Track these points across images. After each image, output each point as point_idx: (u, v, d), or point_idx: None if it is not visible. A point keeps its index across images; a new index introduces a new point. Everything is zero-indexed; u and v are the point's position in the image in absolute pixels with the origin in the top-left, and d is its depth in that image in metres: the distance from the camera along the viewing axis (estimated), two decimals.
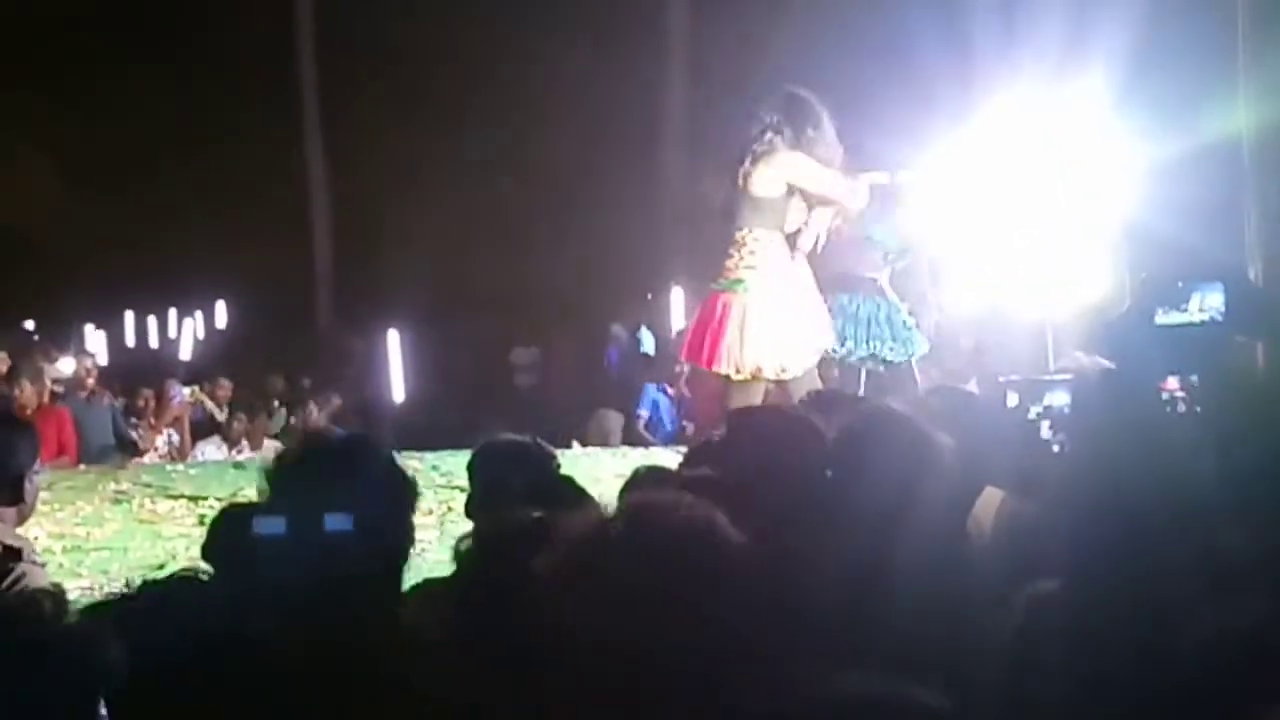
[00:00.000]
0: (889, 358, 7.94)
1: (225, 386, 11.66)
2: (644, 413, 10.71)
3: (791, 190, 7.16)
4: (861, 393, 7.76)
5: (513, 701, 2.63)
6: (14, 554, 3.75)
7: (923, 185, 8.13)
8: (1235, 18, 6.66)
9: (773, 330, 7.05)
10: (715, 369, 7.17)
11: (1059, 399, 4.28)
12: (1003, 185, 8.11)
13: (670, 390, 10.70)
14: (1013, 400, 4.30)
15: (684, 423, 10.58)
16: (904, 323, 8.04)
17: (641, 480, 3.94)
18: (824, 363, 7.77)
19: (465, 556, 3.15)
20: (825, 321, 7.42)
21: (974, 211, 8.20)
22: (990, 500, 4.00)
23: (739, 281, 7.07)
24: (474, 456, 4.21)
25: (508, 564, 2.93)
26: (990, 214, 8.18)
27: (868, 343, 7.93)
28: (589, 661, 2.43)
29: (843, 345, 7.93)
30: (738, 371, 7.03)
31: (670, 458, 8.64)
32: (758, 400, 6.90)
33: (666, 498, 2.63)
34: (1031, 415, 4.25)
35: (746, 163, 7.08)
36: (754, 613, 2.53)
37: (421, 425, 11.35)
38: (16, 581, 3.69)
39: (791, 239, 7.35)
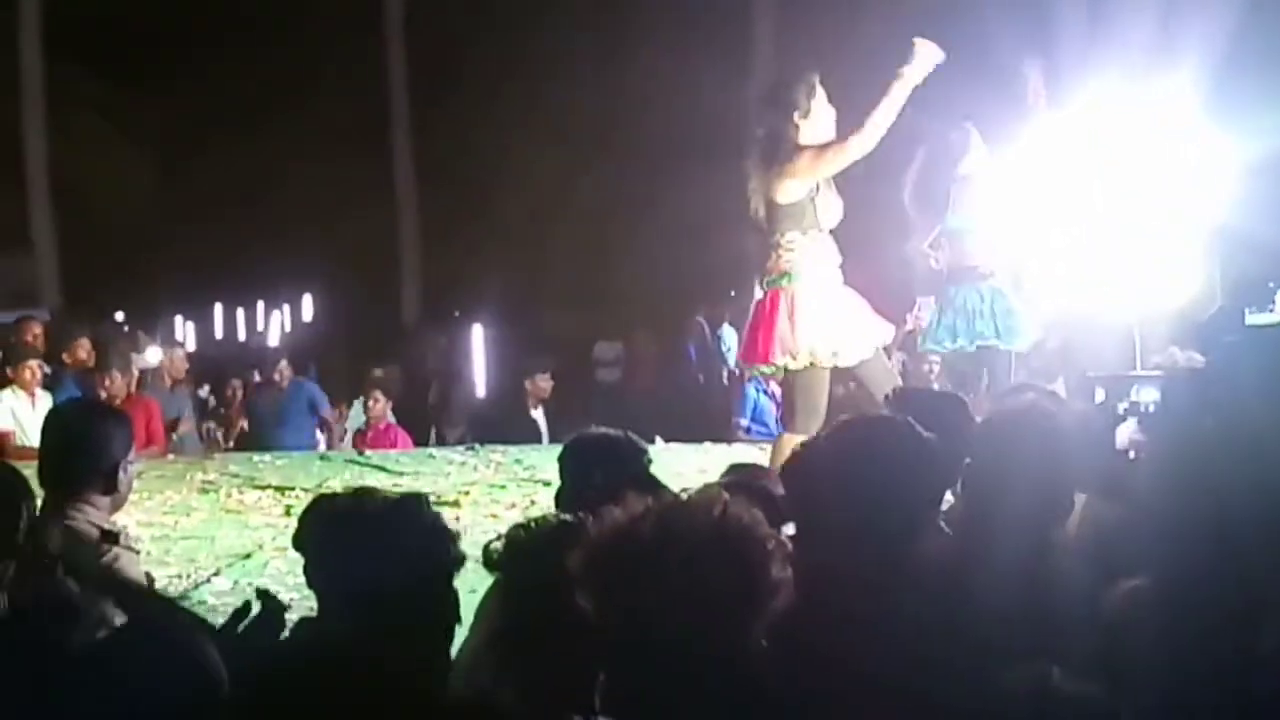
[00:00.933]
0: (988, 344, 7.96)
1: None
2: (744, 420, 10.58)
3: (816, 189, 7.21)
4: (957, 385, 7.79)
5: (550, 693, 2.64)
6: (111, 538, 3.85)
7: (982, 163, 8.13)
8: None
9: (823, 317, 7.09)
10: (772, 362, 7.22)
11: (1147, 395, 4.24)
12: (1090, 183, 8.05)
13: (771, 389, 10.64)
14: (1100, 396, 4.27)
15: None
16: (1008, 310, 8.03)
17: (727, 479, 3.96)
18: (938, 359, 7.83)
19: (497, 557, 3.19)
20: (876, 318, 7.44)
21: (1059, 210, 8.15)
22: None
23: (784, 275, 7.14)
24: (565, 449, 4.24)
25: (538, 565, 2.96)
26: (1076, 212, 8.12)
27: (969, 333, 7.95)
28: (616, 653, 2.43)
29: (954, 340, 7.99)
30: (794, 359, 7.07)
31: (754, 453, 8.68)
32: (822, 390, 6.91)
33: (704, 495, 2.63)
34: (1119, 411, 4.22)
35: (767, 174, 7.15)
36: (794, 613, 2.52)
37: (505, 419, 11.42)
38: (113, 563, 3.78)
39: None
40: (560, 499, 4.12)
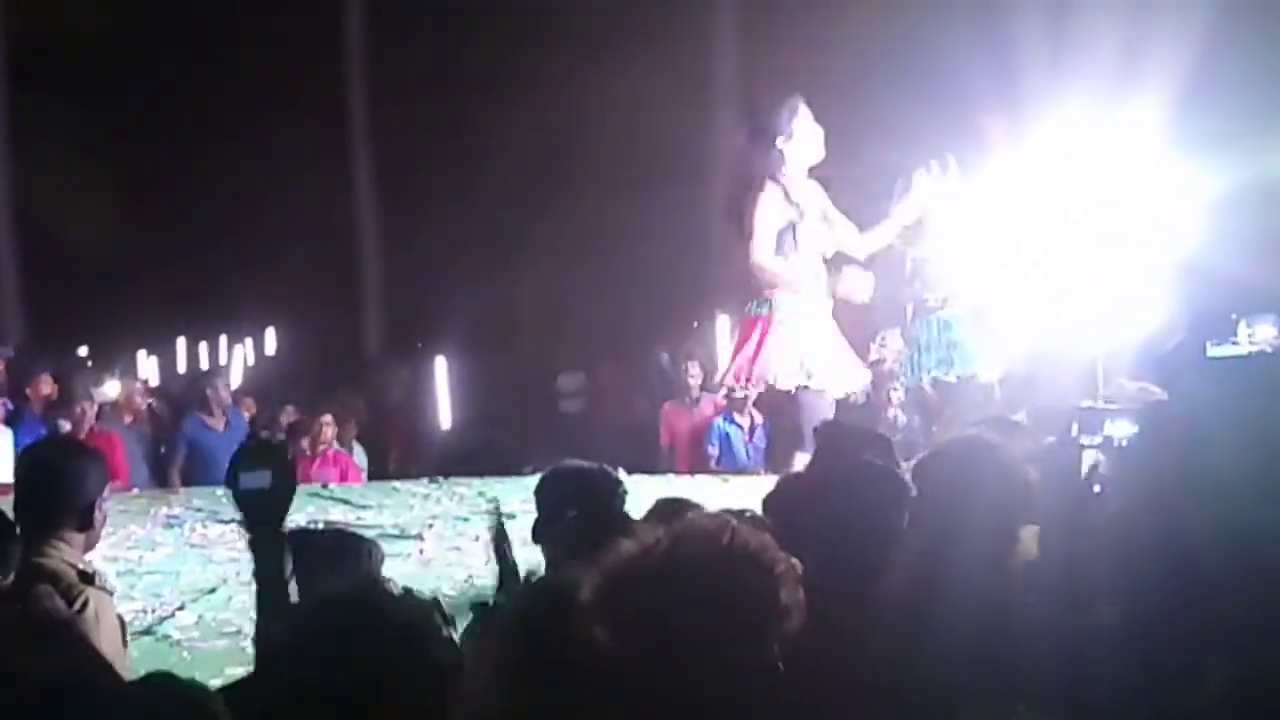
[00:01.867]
0: (943, 377, 8.01)
1: (289, 413, 11.69)
2: (713, 450, 10.62)
3: (801, 215, 7.31)
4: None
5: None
6: (87, 579, 3.83)
7: (941, 198, 8.20)
8: None
9: (803, 342, 7.19)
10: (754, 386, 7.31)
11: (1120, 429, 4.26)
12: (1054, 214, 8.12)
13: (739, 420, 10.67)
14: (1074, 430, 4.29)
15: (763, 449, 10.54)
16: (958, 341, 8.08)
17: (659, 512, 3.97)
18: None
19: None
20: (852, 359, 7.53)
21: (1023, 241, 8.22)
22: (1033, 537, 3.99)
23: (765, 302, 7.26)
24: (541, 481, 4.23)
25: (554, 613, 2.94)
26: (1043, 242, 8.19)
27: (926, 364, 8.01)
28: (631, 687, 2.43)
29: (913, 374, 8.06)
30: (756, 385, 7.19)
31: (714, 485, 8.67)
32: (817, 411, 6.99)
33: (713, 522, 2.64)
34: (1091, 444, 4.24)
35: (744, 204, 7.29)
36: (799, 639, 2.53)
37: (469, 451, 11.38)
38: (85, 605, 3.75)
39: (835, 261, 7.51)
40: (535, 532, 4.12)
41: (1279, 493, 3.32)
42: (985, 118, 8.19)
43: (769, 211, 7.38)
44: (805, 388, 7.35)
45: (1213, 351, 4.22)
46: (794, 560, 2.59)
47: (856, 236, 7.64)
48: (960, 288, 8.28)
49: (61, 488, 3.91)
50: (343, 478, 10.25)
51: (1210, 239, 7.01)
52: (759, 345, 7.40)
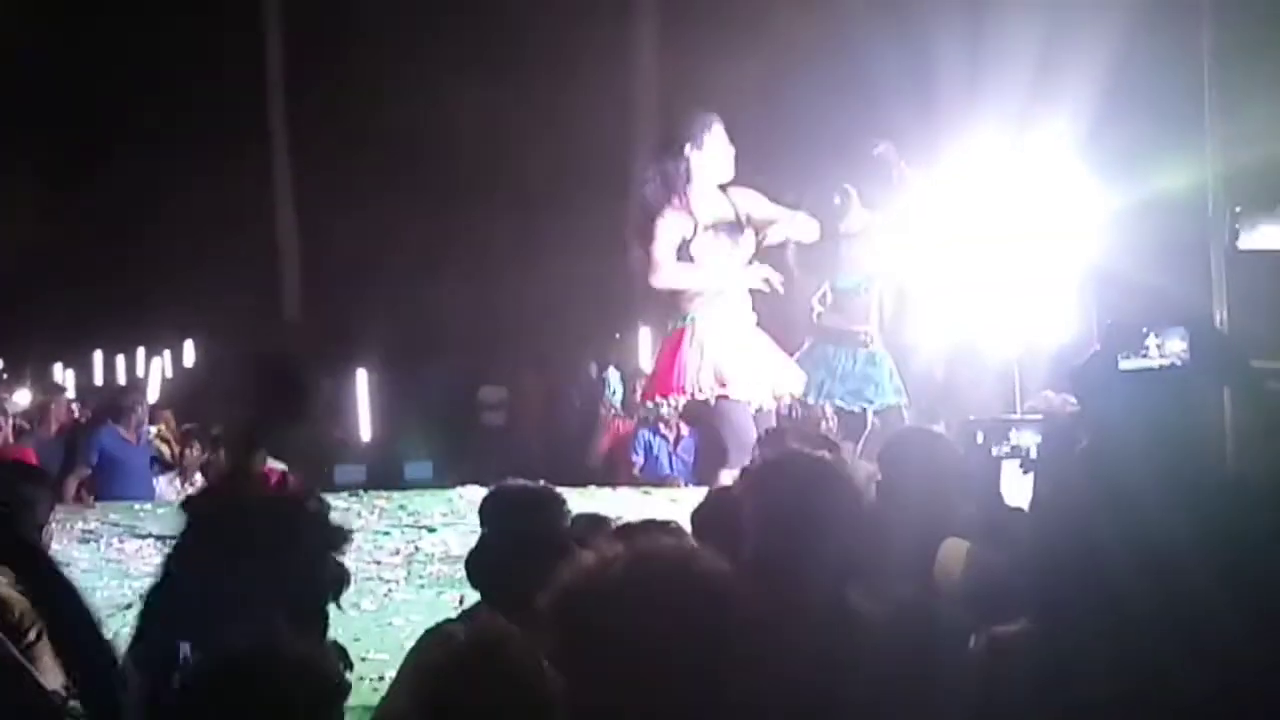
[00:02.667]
0: (851, 406, 8.13)
1: (168, 418, 11.61)
2: (638, 459, 10.65)
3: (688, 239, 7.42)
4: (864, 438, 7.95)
5: None
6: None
7: (866, 220, 8.29)
8: (1201, 65, 6.76)
9: (720, 351, 7.26)
10: (665, 397, 7.37)
11: (1025, 439, 4.32)
12: (971, 228, 8.24)
13: (665, 431, 10.69)
14: (979, 439, 4.35)
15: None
16: (870, 374, 8.19)
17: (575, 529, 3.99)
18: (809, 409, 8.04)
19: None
20: (779, 366, 7.59)
21: (943, 252, 8.32)
22: (957, 550, 4.03)
23: (681, 316, 7.34)
24: (487, 499, 4.21)
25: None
26: (959, 255, 8.31)
27: (836, 392, 8.10)
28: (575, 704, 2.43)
29: (819, 398, 8.14)
30: (699, 392, 7.24)
31: (636, 497, 8.69)
32: (737, 420, 7.04)
33: (674, 544, 2.65)
34: (996, 454, 4.30)
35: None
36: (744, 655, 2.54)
37: (390, 464, 11.33)
38: (39, 636, 3.68)
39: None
40: (479, 551, 4.09)
41: (1188, 506, 3.37)
42: (880, 146, 8.28)
43: (667, 235, 7.47)
44: (724, 397, 7.39)
45: (1124, 365, 4.29)
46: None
47: (798, 223, 7.69)
48: (886, 317, 8.37)
49: (12, 515, 3.83)
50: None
51: (1124, 252, 7.11)
52: (673, 357, 7.46)
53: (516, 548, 3.84)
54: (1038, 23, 7.88)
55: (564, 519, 4.08)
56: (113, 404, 11.08)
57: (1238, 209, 6.77)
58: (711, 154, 7.50)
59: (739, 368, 7.40)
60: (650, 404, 8.13)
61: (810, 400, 8.30)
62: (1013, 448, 4.30)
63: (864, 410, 8.16)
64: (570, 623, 2.43)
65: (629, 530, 3.95)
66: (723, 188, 7.67)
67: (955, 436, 4.71)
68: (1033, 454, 4.26)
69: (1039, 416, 4.86)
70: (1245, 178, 6.56)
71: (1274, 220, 6.68)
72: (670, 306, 7.53)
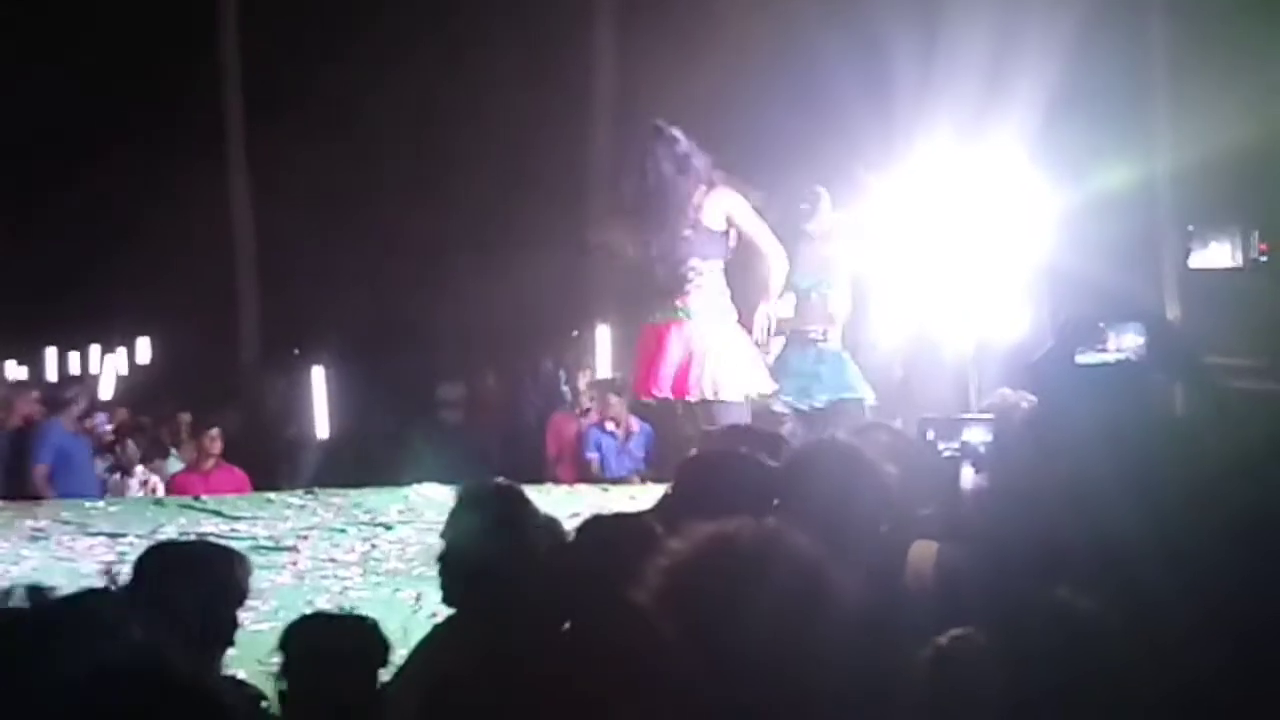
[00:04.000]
0: (798, 404, 8.09)
1: (123, 415, 11.55)
2: (594, 455, 10.64)
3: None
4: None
5: None
6: None
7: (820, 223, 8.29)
8: (1152, 66, 6.82)
9: (718, 351, 7.22)
10: (655, 395, 7.33)
11: (976, 435, 4.33)
12: (926, 229, 8.27)
13: (613, 429, 10.68)
14: (930, 436, 4.36)
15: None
16: (818, 371, 8.15)
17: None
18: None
19: None
20: (757, 362, 7.55)
21: (899, 252, 8.35)
22: (927, 552, 4.02)
23: (674, 310, 7.27)
24: (458, 499, 4.16)
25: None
26: (915, 255, 8.33)
27: (786, 389, 8.06)
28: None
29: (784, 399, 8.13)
30: (702, 394, 7.20)
31: (595, 494, 8.68)
32: (729, 420, 7.00)
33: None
34: (947, 452, 4.31)
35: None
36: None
37: (347, 462, 11.28)
38: None
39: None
40: (448, 552, 4.04)
41: (1145, 500, 3.39)
42: (862, 171, 8.30)
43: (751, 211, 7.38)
44: (716, 397, 7.32)
45: (1081, 359, 4.31)
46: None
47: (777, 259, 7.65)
48: (842, 318, 8.34)
49: None
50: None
51: (1079, 250, 7.15)
52: (664, 355, 7.34)
53: (474, 546, 3.83)
54: (990, 25, 7.92)
55: (528, 517, 4.05)
56: (53, 399, 10.99)
57: (1190, 228, 6.84)
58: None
59: (731, 368, 7.35)
60: (641, 399, 8.05)
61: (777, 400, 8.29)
62: (963, 444, 4.31)
63: (810, 408, 8.11)
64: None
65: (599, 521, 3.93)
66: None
67: (914, 437, 4.72)
68: (983, 450, 4.27)
69: (990, 415, 4.87)
70: (1194, 176, 6.62)
71: (1223, 238, 6.74)
72: (662, 296, 7.40)
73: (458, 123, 17.24)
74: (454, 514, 4.06)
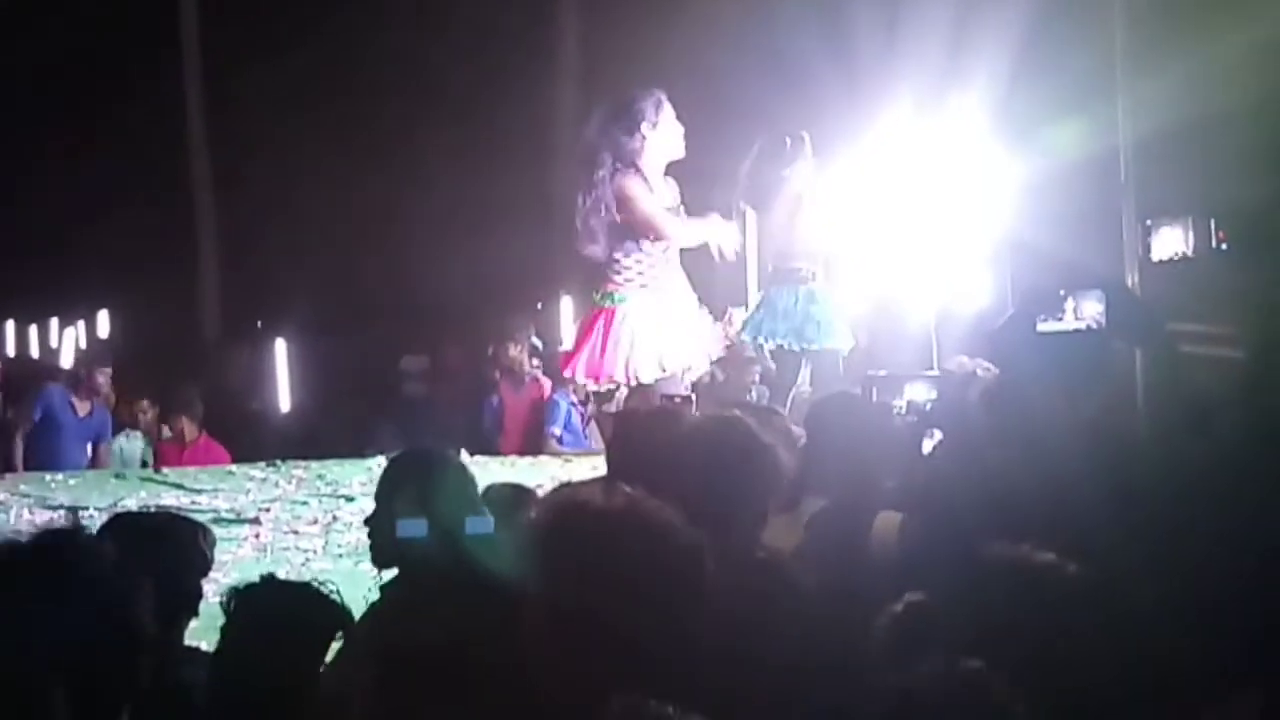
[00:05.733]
0: (794, 346, 8.02)
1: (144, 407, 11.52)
2: (557, 430, 10.58)
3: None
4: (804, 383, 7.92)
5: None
6: None
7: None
8: (1113, 34, 6.83)
9: (652, 339, 7.20)
10: (605, 382, 7.32)
11: (919, 393, 4.35)
12: (889, 196, 8.28)
13: (575, 398, 10.66)
14: (874, 396, 4.39)
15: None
16: (822, 312, 8.09)
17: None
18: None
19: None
20: (708, 333, 7.55)
21: (863, 219, 8.36)
22: (890, 523, 4.04)
23: (609, 295, 7.28)
24: (384, 471, 4.14)
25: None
26: (878, 222, 8.34)
27: (779, 331, 8.01)
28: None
29: (756, 332, 8.08)
30: (602, 382, 7.21)
31: (557, 465, 8.68)
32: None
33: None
34: (896, 410, 4.33)
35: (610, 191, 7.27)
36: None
37: (309, 434, 11.24)
38: None
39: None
40: (373, 521, 4.03)
41: (1104, 469, 3.41)
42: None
43: (648, 195, 7.31)
44: (663, 380, 7.31)
45: (1042, 327, 4.33)
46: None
47: (722, 229, 7.61)
48: (833, 260, 8.31)
49: None
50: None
51: (1039, 219, 7.17)
52: (602, 338, 7.34)
53: (409, 512, 3.84)
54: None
55: (464, 482, 4.03)
56: (72, 371, 10.95)
57: (1149, 222, 6.84)
58: (665, 132, 7.39)
59: (675, 349, 7.34)
60: (583, 387, 8.04)
61: (747, 338, 8.24)
62: (908, 403, 4.34)
63: (803, 350, 8.04)
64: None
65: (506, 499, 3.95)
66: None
67: (874, 405, 4.73)
68: (928, 409, 4.30)
69: (934, 373, 4.90)
70: (1155, 143, 6.64)
71: (1179, 226, 6.73)
72: (600, 279, 7.40)
73: (419, 94, 17.16)
74: (381, 479, 4.05)
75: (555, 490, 3.28)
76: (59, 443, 10.22)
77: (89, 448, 10.52)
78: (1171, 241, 6.66)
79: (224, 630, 3.38)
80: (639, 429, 4.21)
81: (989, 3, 7.74)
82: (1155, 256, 6.71)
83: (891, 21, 8.87)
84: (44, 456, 9.92)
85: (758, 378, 9.87)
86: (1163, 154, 6.63)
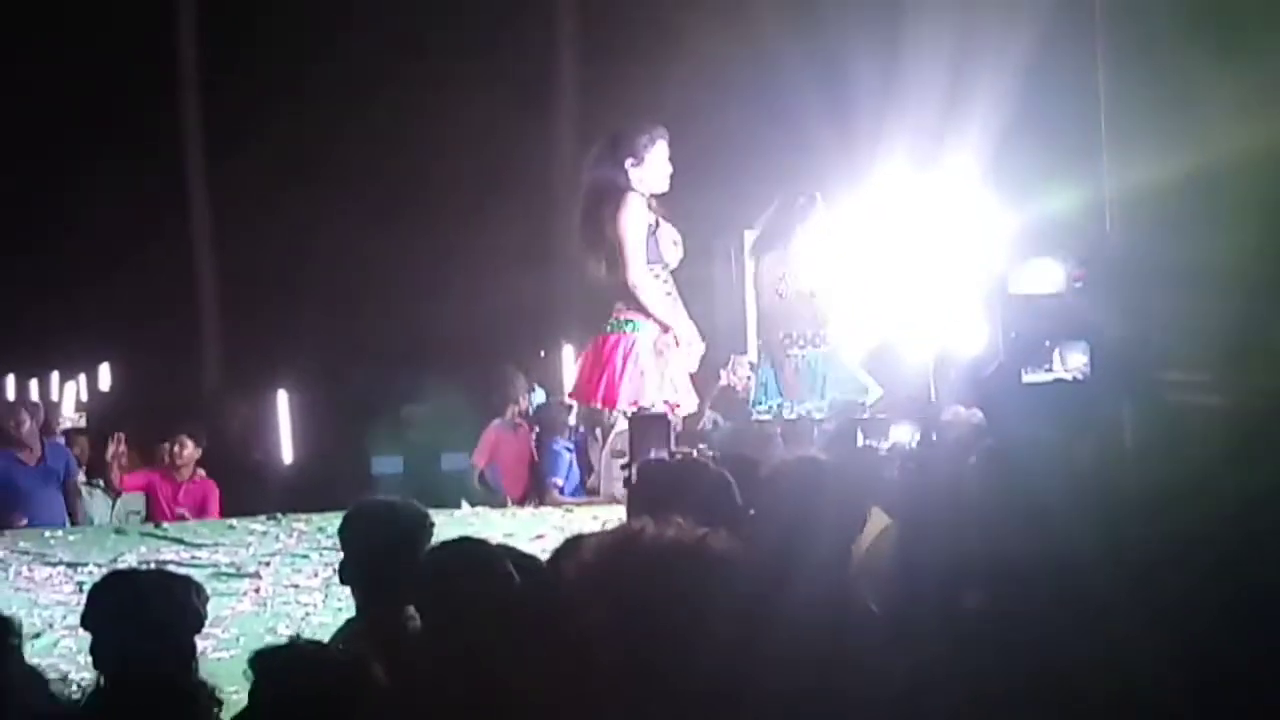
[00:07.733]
0: (817, 414, 8.10)
1: (84, 443, 11.44)
2: (559, 480, 10.54)
3: (656, 224, 7.39)
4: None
5: None
6: None
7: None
8: (1098, 98, 6.92)
9: (667, 367, 7.25)
10: (596, 403, 7.39)
11: (904, 435, 4.39)
12: (886, 245, 8.39)
13: (566, 442, 10.66)
14: (860, 440, 4.42)
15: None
16: (826, 376, 8.17)
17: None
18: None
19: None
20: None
21: (861, 266, 8.46)
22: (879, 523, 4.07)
23: (627, 322, 7.31)
24: (345, 520, 4.21)
25: None
26: (876, 270, 8.45)
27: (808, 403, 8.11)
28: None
29: (787, 406, 8.15)
30: (622, 407, 7.25)
31: (557, 515, 8.69)
32: (660, 438, 7.00)
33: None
34: (882, 451, 4.37)
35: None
36: None
37: (312, 486, 11.25)
38: None
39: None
40: (344, 570, 4.09)
41: (1088, 518, 3.44)
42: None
43: (636, 224, 7.32)
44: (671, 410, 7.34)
45: (1028, 378, 4.37)
46: None
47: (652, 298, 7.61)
48: (833, 321, 8.39)
49: None
50: (202, 504, 10.24)
51: (1026, 270, 7.21)
52: (624, 367, 7.35)
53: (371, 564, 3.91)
54: (948, 50, 8.02)
55: (426, 535, 4.09)
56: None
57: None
58: (651, 170, 7.44)
59: (680, 381, 7.39)
60: (590, 410, 8.05)
61: (776, 410, 8.33)
62: (893, 445, 4.38)
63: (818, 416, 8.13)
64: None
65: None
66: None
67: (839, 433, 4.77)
68: (912, 447, 4.34)
69: (921, 415, 4.94)
70: (1138, 196, 6.72)
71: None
72: (614, 307, 7.43)
73: (420, 143, 17.25)
74: (341, 526, 4.13)
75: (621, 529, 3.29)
76: (27, 502, 9.90)
77: (59, 489, 10.24)
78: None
79: (254, 693, 3.41)
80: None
81: (983, 58, 7.84)
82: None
83: (888, 74, 8.99)
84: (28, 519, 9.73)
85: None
86: (1142, 204, 6.70)
